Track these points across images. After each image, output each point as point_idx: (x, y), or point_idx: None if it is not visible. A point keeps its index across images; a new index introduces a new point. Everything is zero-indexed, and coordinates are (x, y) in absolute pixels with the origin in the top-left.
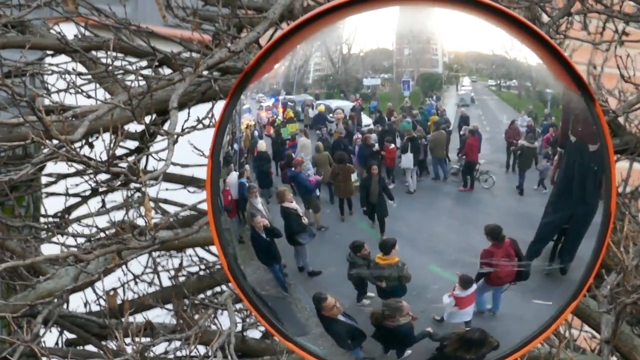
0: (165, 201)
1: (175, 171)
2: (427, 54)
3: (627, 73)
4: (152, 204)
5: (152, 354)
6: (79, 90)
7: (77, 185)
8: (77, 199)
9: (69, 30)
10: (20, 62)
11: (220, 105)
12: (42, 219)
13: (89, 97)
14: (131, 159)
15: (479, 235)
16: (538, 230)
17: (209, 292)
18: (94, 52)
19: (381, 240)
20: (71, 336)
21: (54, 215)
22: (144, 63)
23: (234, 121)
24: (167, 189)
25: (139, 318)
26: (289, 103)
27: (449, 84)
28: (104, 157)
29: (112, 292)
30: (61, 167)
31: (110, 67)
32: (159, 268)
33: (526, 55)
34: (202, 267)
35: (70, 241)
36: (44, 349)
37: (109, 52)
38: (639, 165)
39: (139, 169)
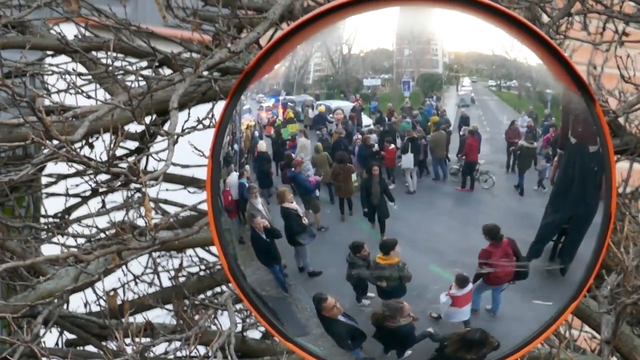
0: (166, 202)
1: (175, 171)
2: (427, 55)
3: (627, 73)
4: (152, 205)
5: (152, 355)
6: (79, 90)
7: (77, 185)
8: (77, 200)
9: (69, 31)
10: (20, 62)
11: (220, 105)
12: (42, 220)
13: (89, 97)
14: (131, 159)
15: (479, 235)
16: (538, 230)
17: (209, 293)
18: (94, 53)
19: (382, 241)
20: (71, 336)
21: (54, 216)
22: (144, 63)
23: (234, 121)
24: (167, 190)
25: (139, 318)
26: (289, 103)
27: (449, 84)
28: (104, 158)
29: (112, 293)
30: (61, 167)
31: (110, 68)
32: (159, 268)
33: (526, 56)
34: (203, 267)
35: (71, 242)
36: (44, 349)
37: (109, 53)
38: (639, 165)
39: (139, 170)
